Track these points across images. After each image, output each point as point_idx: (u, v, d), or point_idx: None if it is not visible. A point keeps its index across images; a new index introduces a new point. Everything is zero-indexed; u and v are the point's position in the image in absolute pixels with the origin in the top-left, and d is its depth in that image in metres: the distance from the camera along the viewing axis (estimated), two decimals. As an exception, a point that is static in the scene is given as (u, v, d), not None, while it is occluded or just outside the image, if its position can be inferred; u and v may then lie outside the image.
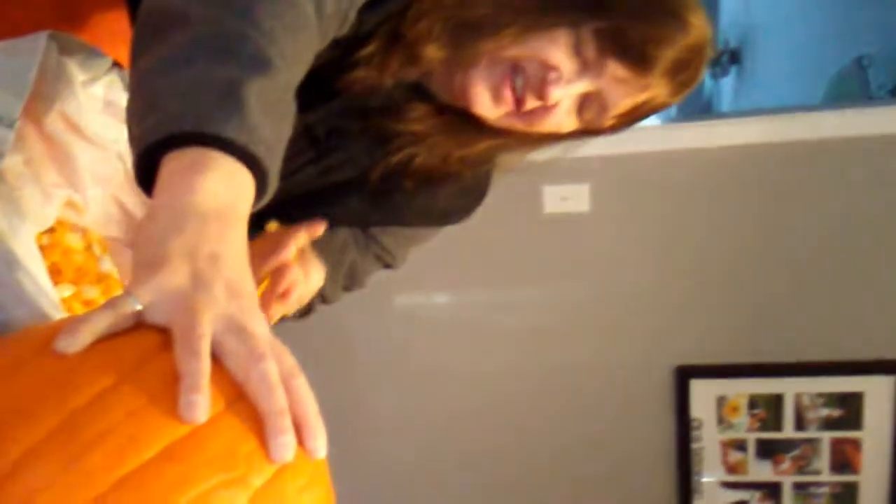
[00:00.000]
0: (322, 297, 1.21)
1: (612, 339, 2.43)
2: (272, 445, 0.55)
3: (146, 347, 0.57)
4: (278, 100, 0.72)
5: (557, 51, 1.00)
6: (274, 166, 0.69)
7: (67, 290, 0.83)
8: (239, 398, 0.57)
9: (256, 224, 1.22)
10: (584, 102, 1.05)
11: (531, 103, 1.03)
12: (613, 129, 1.09)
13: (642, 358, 2.42)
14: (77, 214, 0.84)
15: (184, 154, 0.65)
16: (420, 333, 2.51)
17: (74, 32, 0.92)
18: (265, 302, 1.02)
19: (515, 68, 1.01)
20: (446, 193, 1.20)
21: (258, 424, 0.56)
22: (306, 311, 1.19)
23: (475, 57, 1.02)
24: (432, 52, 1.03)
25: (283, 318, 1.10)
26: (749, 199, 2.31)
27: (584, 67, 1.01)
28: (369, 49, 1.03)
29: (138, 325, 0.59)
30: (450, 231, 1.30)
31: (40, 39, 0.81)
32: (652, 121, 2.52)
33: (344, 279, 1.25)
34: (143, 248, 0.62)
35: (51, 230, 0.83)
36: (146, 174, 0.66)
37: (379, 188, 1.15)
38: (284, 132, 0.73)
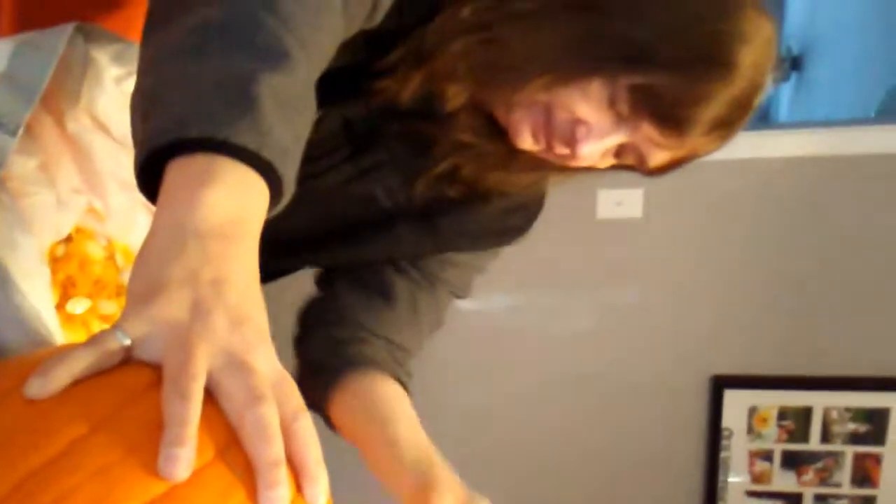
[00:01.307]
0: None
1: (652, 346, 2.36)
2: (262, 500, 0.46)
3: (130, 388, 0.47)
4: (296, 96, 0.60)
5: (589, 104, 0.85)
6: (290, 171, 0.58)
7: (82, 306, 0.73)
8: (233, 443, 0.47)
9: (293, 264, 1.12)
10: (620, 150, 0.90)
11: (561, 150, 0.89)
12: (655, 174, 0.94)
13: (680, 365, 2.35)
14: (99, 222, 0.75)
15: (189, 162, 0.54)
16: (462, 332, 2.42)
17: (111, 24, 0.81)
18: None
19: (549, 113, 0.87)
20: (498, 211, 1.05)
21: (250, 474, 0.46)
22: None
23: (504, 101, 0.89)
24: (453, 93, 0.90)
25: None
26: (794, 211, 2.22)
27: (619, 121, 0.86)
28: (393, 58, 0.89)
29: (128, 361, 0.49)
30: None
31: (65, 31, 0.70)
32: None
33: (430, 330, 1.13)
34: (139, 274, 0.52)
35: (68, 239, 0.73)
36: (151, 179, 0.56)
37: (426, 211, 1.02)
38: (303, 131, 0.61)
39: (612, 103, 0.85)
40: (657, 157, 0.89)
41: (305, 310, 1.12)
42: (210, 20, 0.59)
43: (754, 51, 0.83)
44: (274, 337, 0.53)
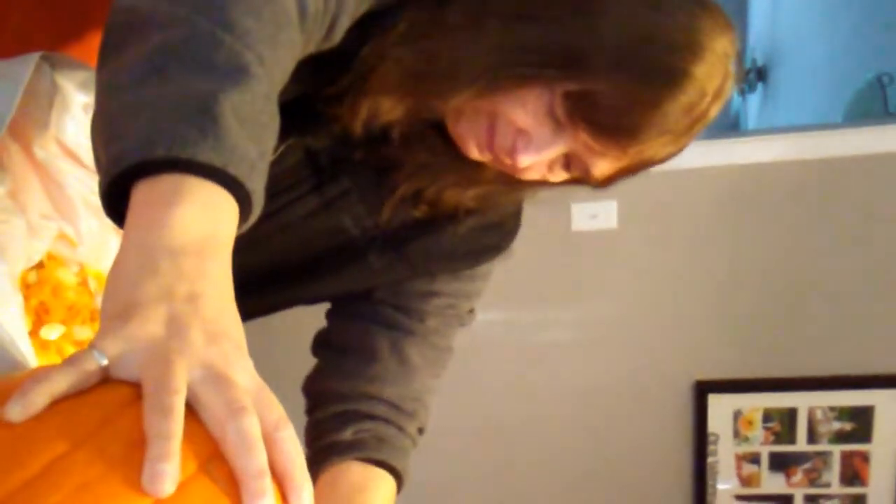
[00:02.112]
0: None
1: (633, 355, 2.37)
2: None
3: (110, 406, 0.47)
4: (259, 111, 0.61)
5: (527, 114, 0.84)
6: (258, 185, 0.59)
7: (56, 332, 0.73)
8: (215, 455, 0.47)
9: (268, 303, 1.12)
10: (568, 162, 0.89)
11: (505, 160, 0.88)
12: (602, 185, 0.92)
13: (662, 373, 2.36)
14: (70, 248, 0.75)
15: (156, 183, 0.55)
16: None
17: (77, 53, 0.82)
18: None
19: (492, 123, 0.86)
20: (469, 230, 1.03)
21: (234, 486, 0.46)
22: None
23: (444, 112, 0.89)
24: (388, 107, 0.89)
25: None
26: (769, 215, 2.25)
27: (558, 130, 0.84)
28: (343, 82, 0.88)
29: (106, 381, 0.49)
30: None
31: (31, 60, 0.71)
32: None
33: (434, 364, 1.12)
34: (112, 294, 0.52)
35: (40, 265, 0.73)
36: (116, 203, 0.56)
37: (396, 236, 1.01)
38: (268, 145, 0.62)
39: (550, 112, 0.83)
40: (600, 167, 0.88)
41: (306, 383, 1.12)
42: (168, 42, 0.60)
43: (705, 62, 0.81)
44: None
